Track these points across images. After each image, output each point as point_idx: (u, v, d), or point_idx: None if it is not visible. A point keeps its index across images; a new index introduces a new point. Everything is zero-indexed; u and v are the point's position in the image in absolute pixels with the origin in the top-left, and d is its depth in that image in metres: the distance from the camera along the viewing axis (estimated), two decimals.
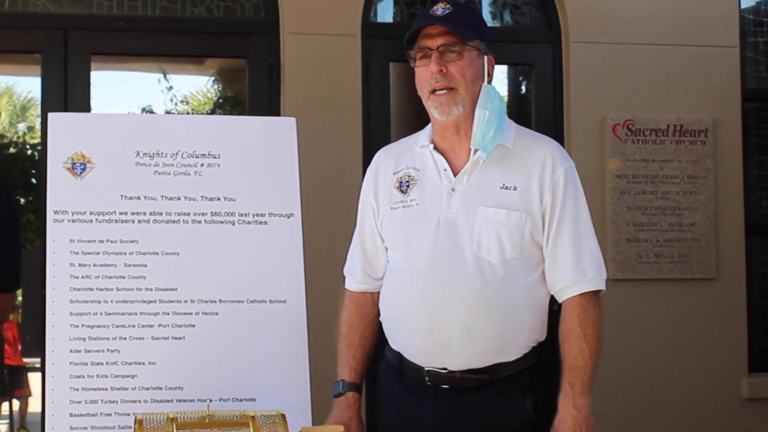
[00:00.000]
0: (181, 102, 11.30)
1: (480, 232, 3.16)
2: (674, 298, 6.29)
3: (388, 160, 3.39)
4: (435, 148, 3.30)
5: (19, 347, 10.20)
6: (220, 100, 11.10)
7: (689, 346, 6.28)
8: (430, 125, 3.35)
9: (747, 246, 6.47)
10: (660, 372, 6.24)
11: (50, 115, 3.51)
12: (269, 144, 3.54)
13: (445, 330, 3.16)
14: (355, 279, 3.44)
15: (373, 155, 3.47)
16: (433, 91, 3.21)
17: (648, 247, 6.25)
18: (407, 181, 3.30)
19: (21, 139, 18.25)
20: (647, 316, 6.23)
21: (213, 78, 10.43)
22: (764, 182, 6.78)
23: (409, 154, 3.35)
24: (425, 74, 3.22)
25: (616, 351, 5.96)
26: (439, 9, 3.21)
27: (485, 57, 3.26)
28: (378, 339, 3.42)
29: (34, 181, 16.05)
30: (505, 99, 7.30)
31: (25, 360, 10.53)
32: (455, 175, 3.23)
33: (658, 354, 6.24)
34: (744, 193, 6.48)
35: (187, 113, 12.13)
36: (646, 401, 6.21)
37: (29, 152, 17.03)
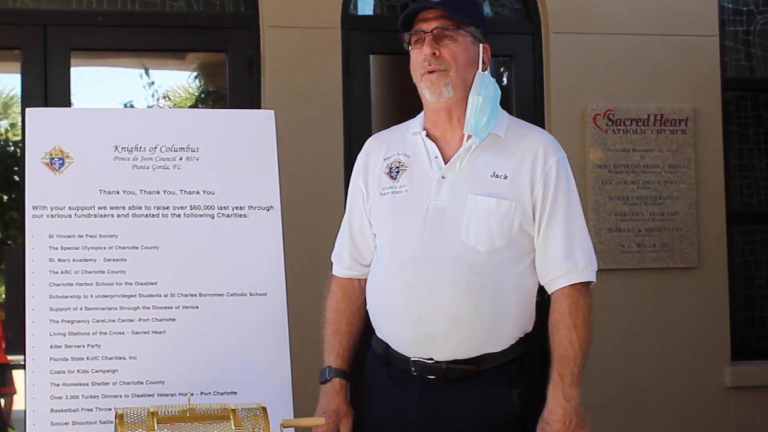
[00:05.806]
0: (163, 97, 11.27)
1: (469, 221, 3.14)
2: (656, 288, 6.30)
3: (379, 146, 3.37)
4: (427, 135, 3.28)
5: (3, 344, 10.14)
6: (202, 95, 11.09)
7: (672, 335, 6.30)
8: (422, 113, 3.33)
9: (728, 235, 6.49)
10: (642, 361, 6.25)
11: (28, 110, 3.51)
12: (248, 136, 3.53)
13: (431, 320, 3.14)
14: (342, 265, 3.42)
15: (354, 148, 3.47)
16: (425, 73, 3.19)
17: (630, 236, 6.25)
18: (397, 167, 3.28)
19: (3, 136, 18.18)
20: (630, 306, 6.24)
21: (194, 73, 10.42)
22: (745, 171, 6.78)
23: (401, 140, 3.33)
24: (419, 57, 3.21)
25: (598, 340, 5.93)
26: None
27: (480, 45, 3.25)
28: (365, 326, 3.40)
29: (16, 178, 16.02)
30: None
31: (10, 357, 10.47)
32: (446, 163, 3.21)
33: (641, 343, 6.26)
34: (725, 182, 6.50)
35: (169, 108, 12.10)
36: (629, 391, 6.22)
37: (11, 149, 16.99)
